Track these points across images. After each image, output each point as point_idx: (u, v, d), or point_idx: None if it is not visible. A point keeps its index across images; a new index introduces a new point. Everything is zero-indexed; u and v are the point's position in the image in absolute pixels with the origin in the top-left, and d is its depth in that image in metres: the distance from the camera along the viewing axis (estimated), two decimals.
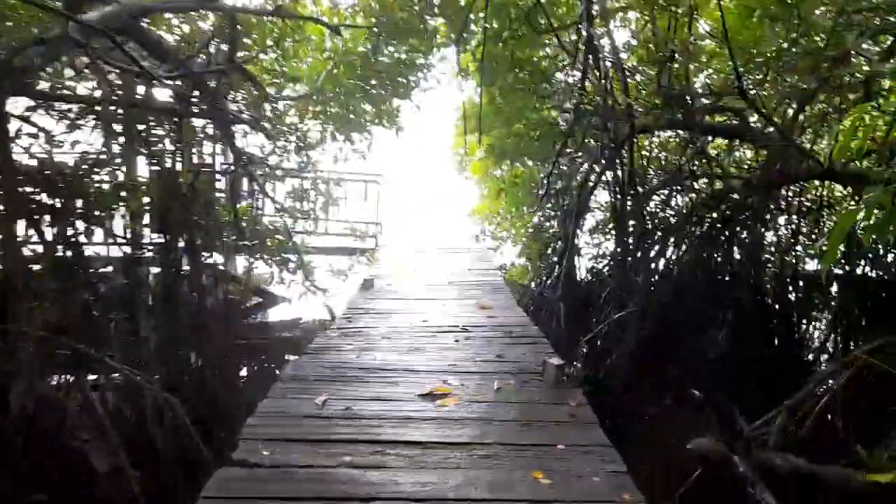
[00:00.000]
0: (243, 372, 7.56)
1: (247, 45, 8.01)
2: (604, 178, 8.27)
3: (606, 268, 9.58)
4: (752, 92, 5.83)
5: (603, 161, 7.26)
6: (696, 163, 7.33)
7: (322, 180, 9.66)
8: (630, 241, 6.35)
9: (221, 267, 9.04)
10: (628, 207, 6.26)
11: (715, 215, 7.36)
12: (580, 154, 7.89)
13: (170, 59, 4.21)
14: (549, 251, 9.34)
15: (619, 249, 6.46)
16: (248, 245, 8.17)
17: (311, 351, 4.34)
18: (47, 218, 4.59)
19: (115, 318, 5.64)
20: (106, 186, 5.86)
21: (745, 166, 7.96)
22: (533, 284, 9.60)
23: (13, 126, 4.69)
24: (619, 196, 6.20)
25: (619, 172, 6.12)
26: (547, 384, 3.67)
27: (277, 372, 4.94)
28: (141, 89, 5.84)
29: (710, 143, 7.73)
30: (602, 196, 9.60)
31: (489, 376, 3.78)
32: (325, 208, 9.71)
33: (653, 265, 6.48)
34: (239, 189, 7.66)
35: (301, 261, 8.40)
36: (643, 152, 6.19)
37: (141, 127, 5.66)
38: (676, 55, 6.01)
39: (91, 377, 4.08)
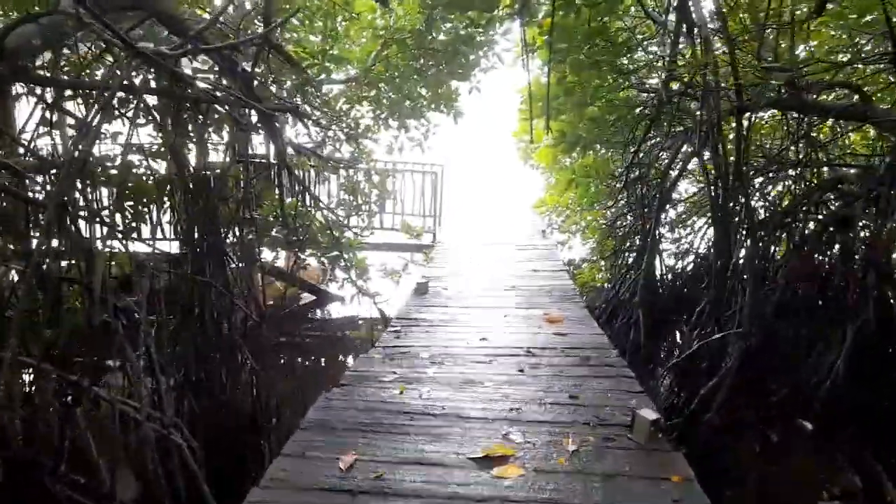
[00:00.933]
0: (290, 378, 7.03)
1: (292, 26, 7.42)
2: (691, 165, 7.25)
3: (691, 266, 8.56)
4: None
5: (694, 144, 6.25)
6: (802, 147, 6.20)
7: (376, 171, 9.03)
8: (732, 239, 5.32)
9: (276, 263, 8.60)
10: (733, 199, 5.22)
11: (825, 211, 6.22)
12: (665, 139, 6.88)
13: (188, 36, 3.58)
14: (625, 248, 8.37)
15: (717, 250, 5.42)
16: (297, 241, 7.66)
17: (346, 381, 3.66)
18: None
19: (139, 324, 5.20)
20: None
21: (859, 153, 6.76)
22: (605, 285, 8.67)
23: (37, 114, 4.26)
24: (719, 185, 5.16)
25: (718, 157, 5.08)
26: (638, 442, 2.84)
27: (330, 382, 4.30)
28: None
29: (819, 126, 6.56)
30: (685, 186, 8.57)
31: (562, 428, 2.98)
32: (380, 202, 9.07)
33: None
34: (285, 182, 7.10)
35: (353, 258, 7.81)
36: (743, 134, 5.11)
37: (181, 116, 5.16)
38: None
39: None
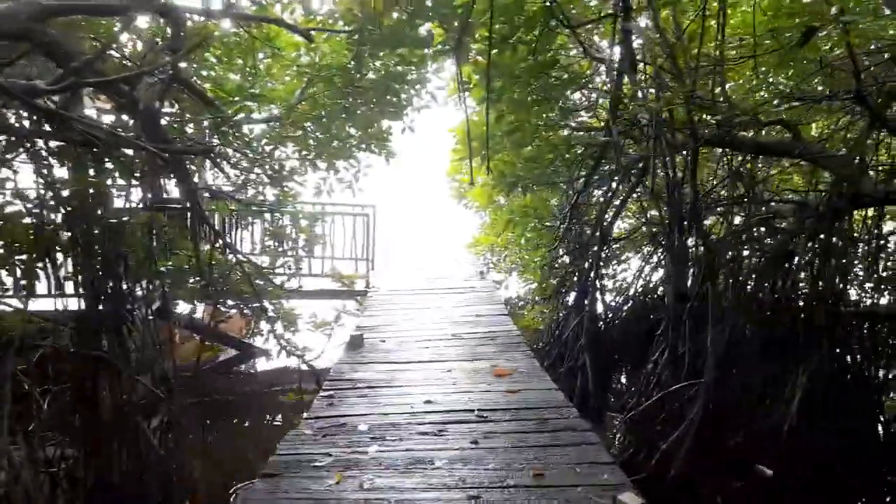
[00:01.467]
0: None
1: (209, 63, 6.89)
2: (633, 197, 7.14)
3: (630, 304, 8.44)
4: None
5: (632, 181, 6.12)
6: (742, 184, 6.19)
7: (303, 215, 8.48)
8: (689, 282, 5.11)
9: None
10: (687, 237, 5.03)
11: (766, 244, 6.20)
12: (601, 178, 6.76)
13: (69, 69, 3.04)
14: (565, 288, 8.16)
15: (674, 291, 5.18)
16: (215, 291, 6.99)
17: (272, 470, 3.09)
18: None
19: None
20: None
21: (794, 189, 6.85)
22: (546, 327, 8.41)
23: None
24: (674, 224, 4.96)
25: (674, 196, 4.88)
26: None
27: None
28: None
29: (747, 163, 6.61)
30: (617, 223, 8.48)
31: None
32: (308, 247, 8.51)
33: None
34: (199, 228, 6.47)
35: (280, 309, 7.19)
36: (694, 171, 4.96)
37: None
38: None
39: None
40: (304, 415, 4.05)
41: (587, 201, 6.83)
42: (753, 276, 5.77)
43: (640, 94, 4.68)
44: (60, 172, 4.98)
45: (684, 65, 4.59)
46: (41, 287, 6.06)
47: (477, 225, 11.61)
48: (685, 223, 4.83)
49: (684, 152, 5.40)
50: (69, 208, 5.71)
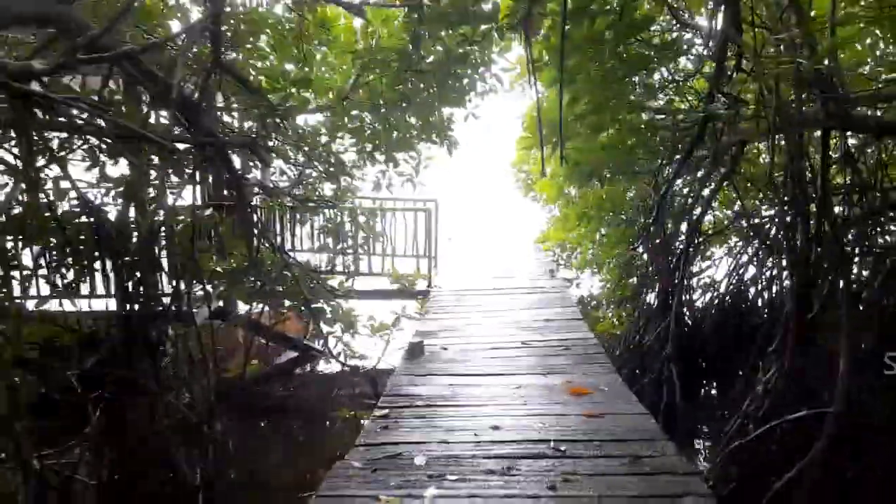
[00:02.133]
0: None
1: (262, 51, 6.53)
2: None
3: (716, 305, 7.59)
4: None
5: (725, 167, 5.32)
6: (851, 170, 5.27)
7: (361, 211, 8.08)
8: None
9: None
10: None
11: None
12: (684, 165, 5.97)
13: (71, 47, 2.66)
14: (646, 288, 7.40)
15: (796, 301, 4.32)
16: (271, 291, 6.68)
17: None
18: None
19: None
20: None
21: None
22: (624, 331, 7.66)
23: None
24: (797, 219, 4.14)
25: (800, 183, 4.07)
26: None
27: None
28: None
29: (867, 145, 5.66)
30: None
31: None
32: (367, 244, 8.10)
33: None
34: (253, 226, 6.14)
35: (338, 310, 6.79)
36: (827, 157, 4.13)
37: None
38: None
39: None
40: (357, 439, 3.57)
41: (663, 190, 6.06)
42: (876, 280, 4.88)
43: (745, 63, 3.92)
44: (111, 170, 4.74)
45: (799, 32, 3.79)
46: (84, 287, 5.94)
47: (545, 219, 10.94)
48: (809, 217, 4.02)
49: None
50: (120, 206, 5.51)
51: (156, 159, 5.14)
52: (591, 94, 5.21)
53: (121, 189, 4.77)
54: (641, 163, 5.69)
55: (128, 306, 4.94)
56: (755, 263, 7.39)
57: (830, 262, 4.05)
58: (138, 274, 4.75)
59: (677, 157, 5.00)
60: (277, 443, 6.31)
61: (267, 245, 5.45)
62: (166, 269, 6.35)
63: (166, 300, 5.49)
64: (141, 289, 5.29)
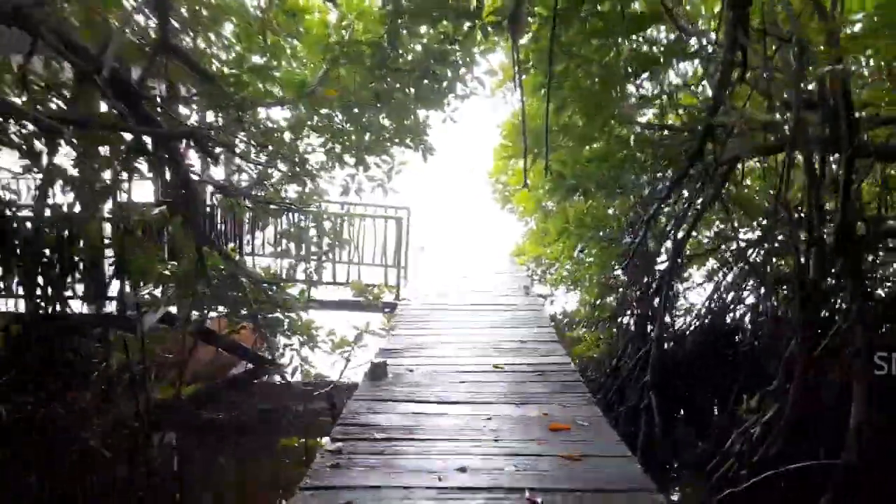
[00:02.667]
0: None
1: (228, 41, 6.05)
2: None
3: (693, 328, 7.29)
4: None
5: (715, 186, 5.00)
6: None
7: (327, 216, 7.59)
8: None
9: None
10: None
11: None
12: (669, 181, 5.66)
13: None
14: (625, 310, 7.06)
15: (802, 338, 3.95)
16: (222, 297, 6.20)
17: None
18: None
19: None
20: None
21: None
22: (598, 352, 7.30)
23: None
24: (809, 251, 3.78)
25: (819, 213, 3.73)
26: None
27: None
28: None
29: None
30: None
31: None
32: (332, 250, 7.61)
33: None
34: (200, 227, 5.64)
35: (295, 322, 6.32)
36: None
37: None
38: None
39: None
40: (301, 481, 3.09)
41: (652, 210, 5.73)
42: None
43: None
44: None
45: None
46: None
47: (522, 232, 10.57)
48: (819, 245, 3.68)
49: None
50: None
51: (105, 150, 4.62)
52: (579, 102, 4.85)
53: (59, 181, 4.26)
54: (627, 178, 5.34)
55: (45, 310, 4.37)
56: (738, 288, 7.13)
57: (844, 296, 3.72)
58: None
59: (669, 173, 4.65)
60: (218, 468, 5.75)
61: (216, 249, 4.93)
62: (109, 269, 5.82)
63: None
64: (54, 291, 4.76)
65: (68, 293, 5.70)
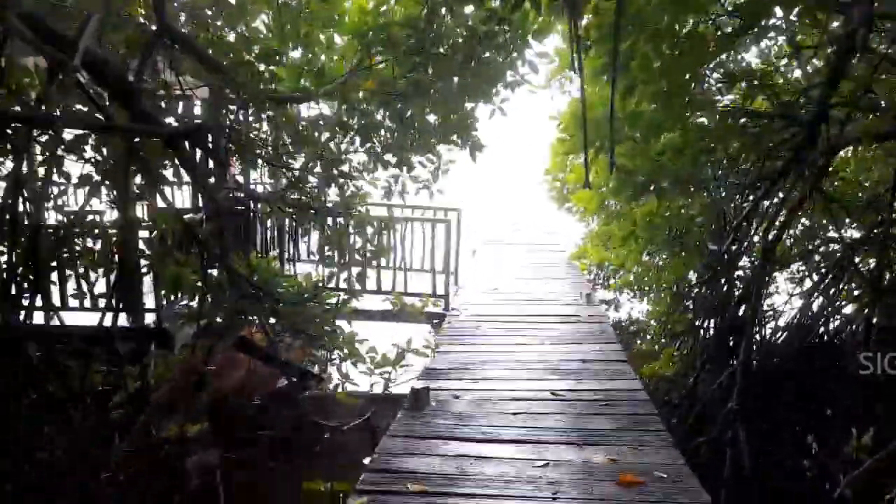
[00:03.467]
0: None
1: (256, 34, 5.61)
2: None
3: (781, 341, 6.37)
4: None
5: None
6: None
7: (369, 221, 7.05)
8: None
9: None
10: None
11: None
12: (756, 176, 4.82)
13: None
14: (704, 323, 6.24)
15: None
16: (262, 309, 5.76)
17: None
18: None
19: None
20: None
21: None
22: (672, 370, 6.48)
23: None
24: None
25: None
26: None
27: None
28: None
29: None
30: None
31: None
32: (375, 258, 7.08)
33: None
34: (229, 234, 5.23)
35: (338, 334, 5.83)
36: None
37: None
38: None
39: None
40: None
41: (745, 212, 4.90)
42: None
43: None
44: None
45: None
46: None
47: (582, 234, 9.79)
48: None
49: None
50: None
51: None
52: (649, 85, 4.11)
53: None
54: (706, 173, 4.56)
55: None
56: (836, 297, 6.17)
57: None
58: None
59: (765, 168, 3.86)
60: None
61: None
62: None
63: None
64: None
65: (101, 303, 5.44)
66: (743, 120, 4.47)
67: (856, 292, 5.62)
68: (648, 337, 7.26)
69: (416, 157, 6.35)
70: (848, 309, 6.10)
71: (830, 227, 6.00)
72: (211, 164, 4.52)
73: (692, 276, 6.30)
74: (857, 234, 5.91)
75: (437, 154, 6.42)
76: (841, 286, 5.82)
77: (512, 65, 4.96)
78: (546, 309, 7.05)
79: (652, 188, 4.46)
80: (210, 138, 3.43)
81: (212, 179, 4.17)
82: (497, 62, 4.92)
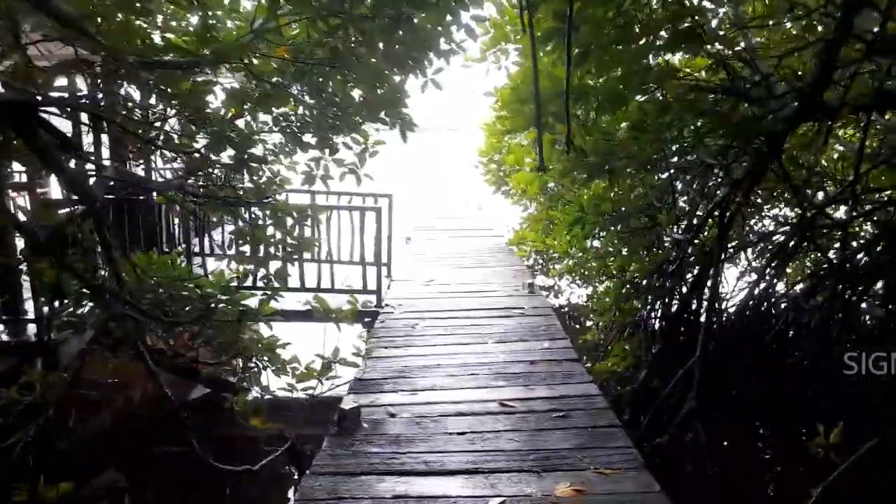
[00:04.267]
0: None
1: None
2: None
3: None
4: None
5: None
6: None
7: (289, 210, 6.27)
8: None
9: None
10: None
11: None
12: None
13: None
14: (653, 314, 5.89)
15: None
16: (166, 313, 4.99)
17: None
18: None
19: None
20: None
21: None
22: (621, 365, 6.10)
23: None
24: None
25: None
26: None
27: None
28: None
29: None
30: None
31: None
32: (296, 251, 6.33)
33: None
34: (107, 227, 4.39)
35: (252, 343, 5.14)
36: None
37: None
38: None
39: None
40: None
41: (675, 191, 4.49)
42: None
43: None
44: None
45: None
46: None
47: (518, 218, 9.33)
48: None
49: None
50: None
51: None
52: (603, 52, 3.58)
53: None
54: (670, 153, 4.12)
55: None
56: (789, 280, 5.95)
57: None
58: None
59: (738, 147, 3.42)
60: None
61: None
62: None
63: None
64: None
65: None
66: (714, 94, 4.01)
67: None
68: (590, 324, 6.88)
69: (340, 138, 5.63)
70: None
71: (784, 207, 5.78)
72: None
73: (640, 263, 5.91)
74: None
75: (363, 134, 5.72)
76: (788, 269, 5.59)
77: (446, 30, 4.32)
78: (487, 301, 6.51)
79: (606, 168, 3.97)
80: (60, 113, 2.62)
81: (73, 164, 3.34)
82: (428, 27, 4.26)
